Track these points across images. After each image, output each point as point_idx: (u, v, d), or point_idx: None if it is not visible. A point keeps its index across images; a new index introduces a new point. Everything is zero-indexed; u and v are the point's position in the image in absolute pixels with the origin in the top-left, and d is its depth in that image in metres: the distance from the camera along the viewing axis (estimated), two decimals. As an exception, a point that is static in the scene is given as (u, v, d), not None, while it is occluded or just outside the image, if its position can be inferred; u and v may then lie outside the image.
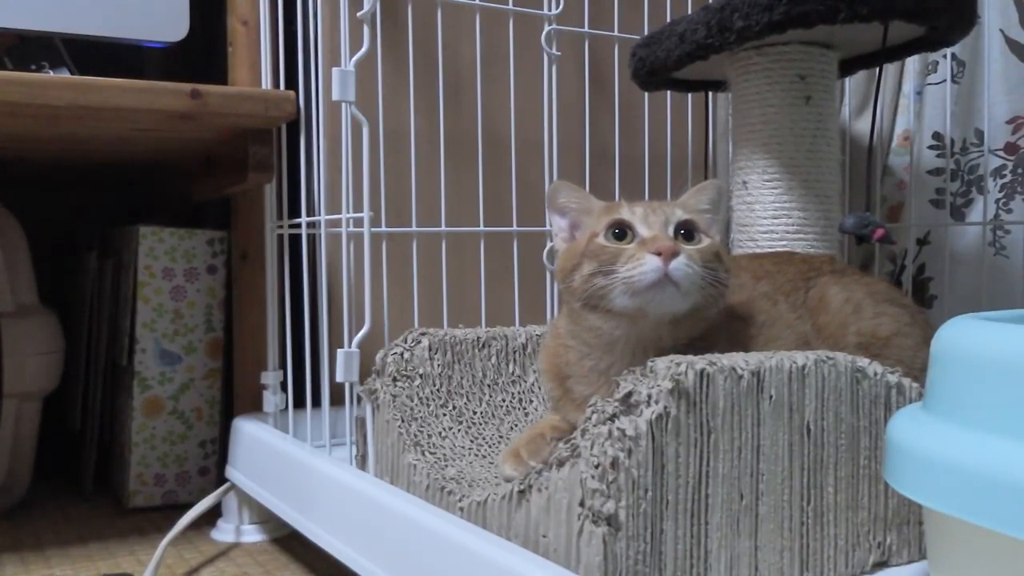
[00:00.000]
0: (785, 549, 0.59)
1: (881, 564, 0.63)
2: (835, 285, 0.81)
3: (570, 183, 0.78)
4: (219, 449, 1.31)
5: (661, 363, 0.56)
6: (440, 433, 0.86)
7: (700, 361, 0.56)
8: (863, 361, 0.62)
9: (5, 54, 1.10)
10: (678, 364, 0.55)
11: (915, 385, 0.64)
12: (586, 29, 1.26)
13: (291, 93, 1.09)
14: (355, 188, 0.96)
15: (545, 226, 1.14)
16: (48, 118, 1.04)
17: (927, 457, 0.46)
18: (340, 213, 0.96)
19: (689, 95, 1.35)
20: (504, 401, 0.93)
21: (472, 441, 0.87)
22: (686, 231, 0.70)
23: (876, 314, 0.78)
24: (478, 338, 0.94)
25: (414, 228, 1.08)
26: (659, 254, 0.65)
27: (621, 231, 0.70)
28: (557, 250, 0.77)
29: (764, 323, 0.77)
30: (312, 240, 1.15)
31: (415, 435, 0.84)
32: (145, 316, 1.26)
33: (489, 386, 0.93)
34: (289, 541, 1.15)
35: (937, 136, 1.33)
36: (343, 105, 0.93)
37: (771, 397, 0.58)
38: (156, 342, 1.27)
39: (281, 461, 1.03)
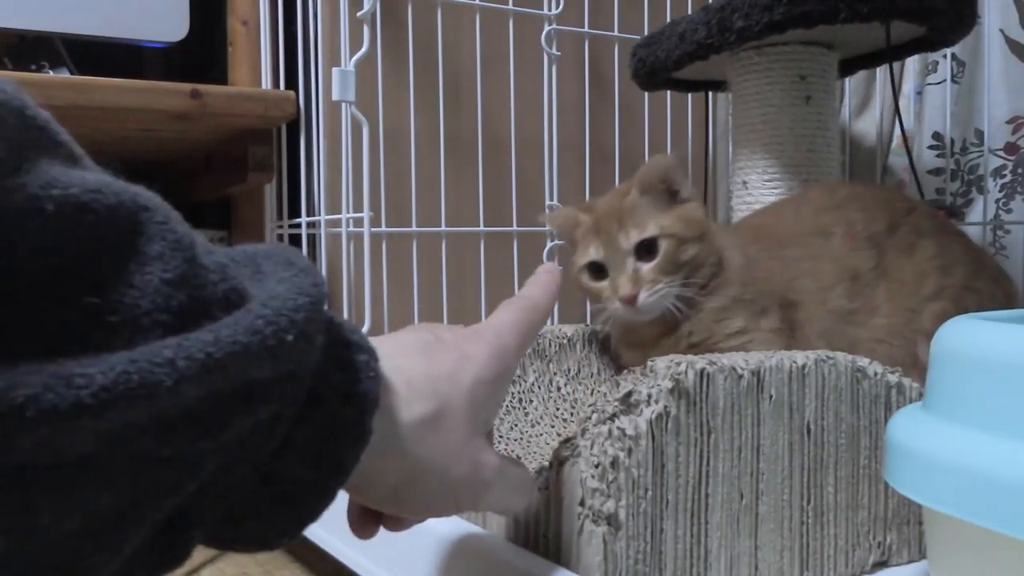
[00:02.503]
0: (785, 549, 0.59)
1: (881, 564, 0.63)
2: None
3: (557, 207, 0.81)
4: (219, 449, 1.31)
5: (661, 362, 0.56)
6: (440, 433, 0.86)
7: (700, 360, 0.56)
8: (863, 361, 0.62)
9: (5, 54, 1.10)
10: (678, 364, 0.55)
11: (915, 385, 0.64)
12: (586, 29, 1.26)
13: (291, 93, 1.09)
14: (355, 188, 0.96)
15: (545, 226, 1.14)
16: (48, 118, 1.04)
17: (927, 457, 0.46)
18: (340, 213, 0.96)
19: (689, 95, 1.35)
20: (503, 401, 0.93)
21: (472, 441, 0.87)
22: (648, 246, 0.73)
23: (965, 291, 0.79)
24: (478, 338, 0.94)
25: (414, 228, 1.08)
26: (624, 301, 0.72)
27: (596, 269, 0.76)
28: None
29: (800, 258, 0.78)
30: (312, 240, 1.16)
31: (415, 435, 0.83)
32: (145, 316, 1.26)
33: (489, 386, 0.93)
34: (289, 541, 1.15)
35: (937, 136, 1.33)
36: (343, 105, 0.93)
37: (771, 397, 0.58)
38: (156, 342, 1.27)
39: (281, 461, 1.02)
